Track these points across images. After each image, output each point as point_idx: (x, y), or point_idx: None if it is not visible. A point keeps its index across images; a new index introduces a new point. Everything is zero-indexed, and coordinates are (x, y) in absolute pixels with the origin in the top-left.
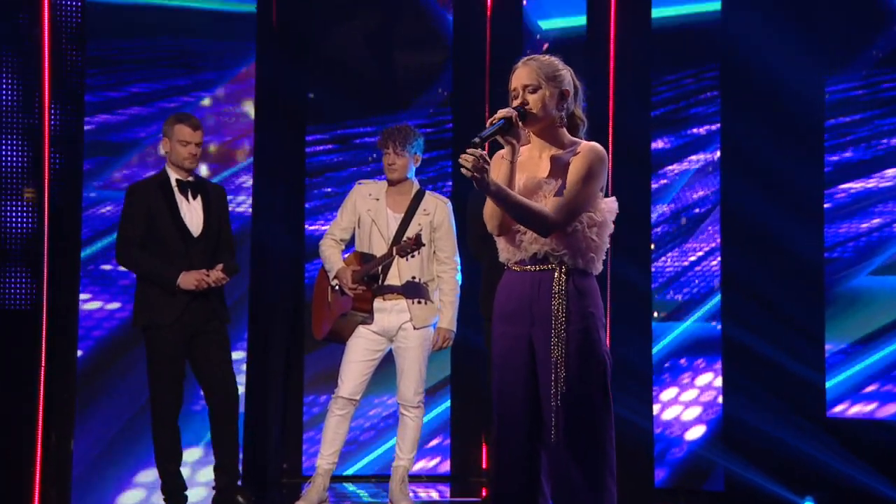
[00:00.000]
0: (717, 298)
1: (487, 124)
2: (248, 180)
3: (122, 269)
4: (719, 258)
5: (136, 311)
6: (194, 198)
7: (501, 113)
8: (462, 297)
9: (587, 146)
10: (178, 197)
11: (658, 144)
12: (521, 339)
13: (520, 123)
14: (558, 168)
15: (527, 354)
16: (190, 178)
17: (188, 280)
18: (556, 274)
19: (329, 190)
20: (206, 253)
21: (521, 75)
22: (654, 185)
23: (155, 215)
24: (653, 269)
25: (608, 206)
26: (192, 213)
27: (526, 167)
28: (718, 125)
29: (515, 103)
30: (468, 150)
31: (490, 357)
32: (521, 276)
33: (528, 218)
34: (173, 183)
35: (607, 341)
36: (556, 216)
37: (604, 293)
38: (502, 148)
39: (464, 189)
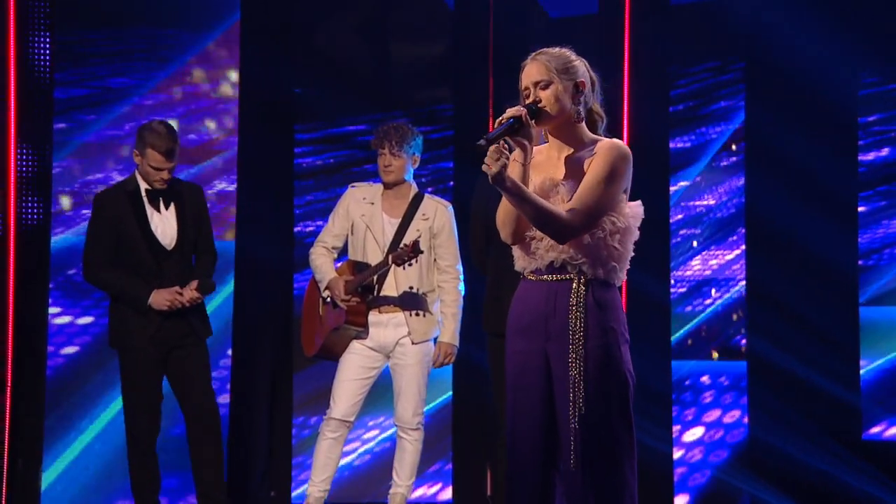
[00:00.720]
0: (742, 310)
1: (495, 124)
2: (227, 185)
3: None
4: (744, 266)
5: (110, 333)
6: (167, 206)
7: (510, 112)
8: (465, 310)
9: (608, 143)
10: (148, 208)
11: (677, 143)
12: (537, 356)
13: (531, 122)
14: (576, 168)
15: (542, 372)
16: (163, 187)
17: (160, 300)
18: (573, 285)
19: (320, 194)
20: (181, 267)
21: (531, 72)
22: (672, 188)
23: (123, 228)
24: (672, 279)
25: (633, 211)
26: (165, 225)
27: (543, 168)
28: (743, 122)
29: (527, 102)
30: (478, 149)
31: (493, 375)
32: (536, 286)
33: (544, 221)
34: (143, 192)
35: (630, 358)
36: (572, 220)
37: None
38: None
39: (466, 192)
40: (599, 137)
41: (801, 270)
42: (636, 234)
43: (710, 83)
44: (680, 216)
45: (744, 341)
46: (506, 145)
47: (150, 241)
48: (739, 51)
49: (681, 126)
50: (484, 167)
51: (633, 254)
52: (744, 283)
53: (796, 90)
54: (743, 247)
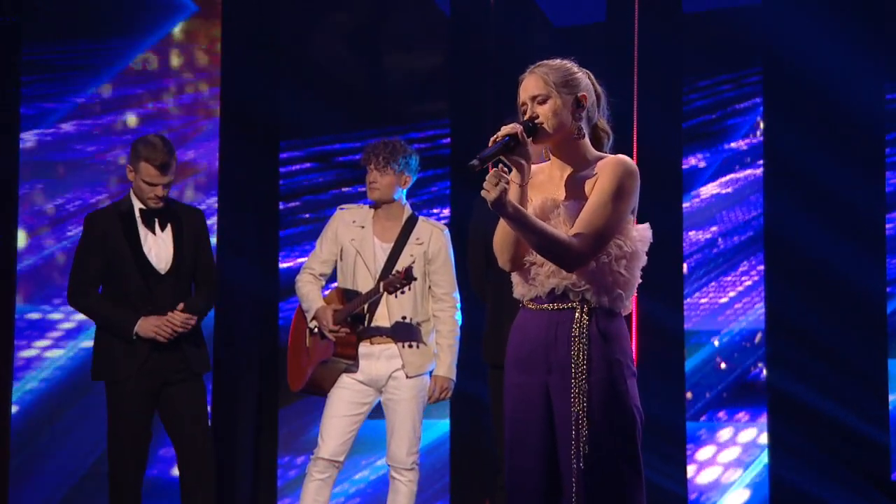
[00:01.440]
0: (762, 340)
1: (490, 143)
2: (207, 207)
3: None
4: (763, 293)
5: (95, 363)
6: (163, 228)
7: (505, 129)
8: (463, 340)
9: (613, 160)
10: (142, 229)
11: (691, 161)
12: (537, 390)
13: (528, 140)
14: (579, 188)
15: (543, 407)
16: (158, 206)
17: (147, 327)
18: (576, 314)
19: (307, 216)
20: (175, 293)
21: (528, 86)
22: (686, 209)
23: (114, 250)
24: (685, 307)
25: (640, 234)
26: (160, 247)
27: (544, 188)
28: (761, 138)
29: (524, 118)
30: (471, 169)
31: (494, 410)
32: (536, 315)
33: (549, 248)
34: (137, 212)
35: (637, 392)
36: (580, 246)
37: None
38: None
39: (464, 214)
40: (604, 155)
41: (825, 297)
42: (644, 260)
43: (726, 96)
44: (694, 239)
45: (764, 374)
46: (505, 168)
47: (142, 263)
48: (757, 62)
49: (694, 142)
50: (483, 192)
51: (640, 280)
52: (763, 311)
53: (819, 104)
54: (762, 270)
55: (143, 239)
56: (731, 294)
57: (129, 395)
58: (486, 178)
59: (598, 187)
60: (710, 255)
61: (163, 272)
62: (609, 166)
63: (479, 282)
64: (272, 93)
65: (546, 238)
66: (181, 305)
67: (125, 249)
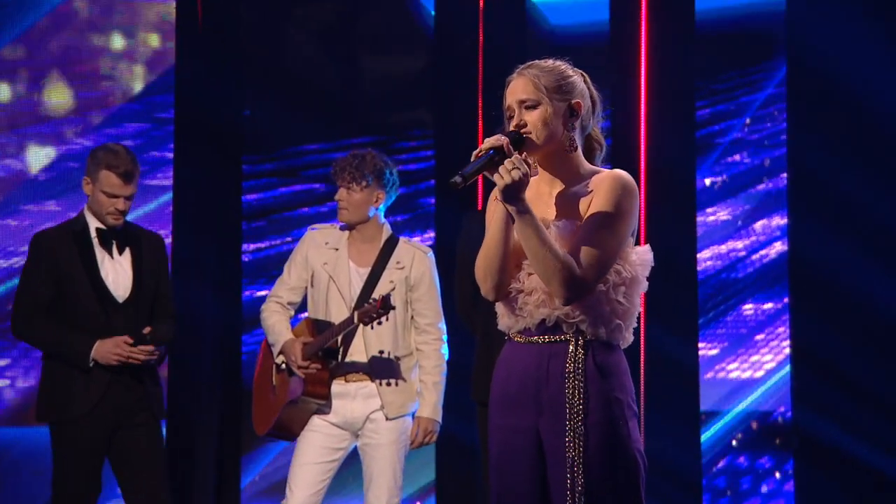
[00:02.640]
0: (786, 374)
1: (472, 157)
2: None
3: (24, 342)
4: (787, 323)
5: (41, 402)
6: (121, 251)
7: (489, 142)
8: (449, 377)
9: (609, 175)
10: (99, 251)
11: (705, 175)
12: (527, 434)
13: (514, 153)
14: (571, 206)
15: (534, 454)
16: (117, 226)
17: (105, 351)
18: (570, 347)
19: (273, 238)
20: (134, 323)
21: (516, 88)
22: (700, 229)
23: (67, 274)
24: (700, 339)
25: (640, 258)
26: (118, 272)
27: (532, 206)
28: (784, 150)
29: (511, 126)
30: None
31: (484, 455)
32: (525, 349)
33: (554, 268)
34: (92, 232)
35: (641, 436)
36: (582, 273)
37: (635, 372)
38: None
39: (450, 235)
40: (598, 169)
41: (857, 329)
42: (644, 285)
43: (744, 102)
44: (710, 263)
45: (789, 414)
46: (528, 161)
47: (100, 290)
48: (779, 65)
49: (709, 154)
50: (496, 177)
51: (639, 308)
52: (788, 344)
53: (847, 113)
54: (786, 300)
55: (99, 262)
56: (752, 324)
57: (81, 437)
58: (505, 161)
59: (595, 207)
60: (727, 280)
61: (121, 300)
62: (605, 183)
63: (468, 311)
64: (234, 98)
65: (554, 257)
66: (148, 329)
67: (80, 274)
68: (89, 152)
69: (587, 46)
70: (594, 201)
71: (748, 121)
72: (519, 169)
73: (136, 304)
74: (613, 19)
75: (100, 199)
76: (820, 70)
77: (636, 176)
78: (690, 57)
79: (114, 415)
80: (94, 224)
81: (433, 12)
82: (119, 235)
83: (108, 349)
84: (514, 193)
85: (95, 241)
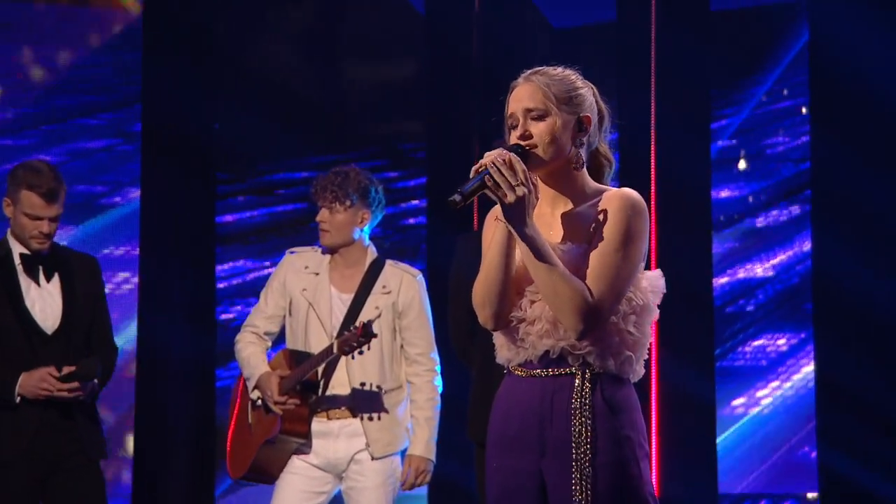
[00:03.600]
0: (811, 410)
1: (472, 173)
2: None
3: None
4: (812, 354)
5: None
6: (48, 278)
7: (491, 156)
8: (443, 413)
9: (616, 196)
10: (24, 279)
11: (722, 193)
12: (529, 477)
13: (519, 168)
14: (577, 228)
15: (537, 497)
16: (42, 250)
17: (31, 385)
18: (576, 381)
19: (248, 262)
20: (64, 358)
21: (523, 95)
22: (716, 252)
23: None
24: (716, 369)
25: (651, 284)
26: (45, 301)
27: None
28: (808, 163)
29: (514, 137)
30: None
31: (483, 500)
32: (526, 384)
33: (566, 296)
34: (16, 258)
35: (653, 478)
36: (598, 303)
37: (646, 408)
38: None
39: (443, 257)
40: (604, 187)
41: (889, 360)
42: (656, 314)
43: (764, 112)
44: (727, 288)
45: (813, 454)
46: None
47: (25, 321)
48: (802, 71)
49: (726, 169)
50: (499, 195)
51: (651, 338)
52: (812, 376)
53: (878, 123)
54: (811, 329)
55: (24, 291)
56: (772, 356)
57: (12, 483)
58: (504, 174)
59: (607, 230)
60: (746, 307)
61: (49, 332)
62: (613, 204)
63: (463, 341)
64: (206, 110)
65: (566, 285)
66: (67, 369)
67: (3, 303)
68: (10, 171)
69: (593, 50)
70: (606, 227)
71: (769, 131)
72: (524, 186)
73: (68, 335)
74: (621, 22)
75: (22, 221)
76: (847, 78)
77: (646, 193)
78: (705, 62)
79: (46, 458)
80: (17, 249)
81: (424, 13)
82: (46, 261)
83: (34, 383)
84: (519, 214)
85: (20, 268)
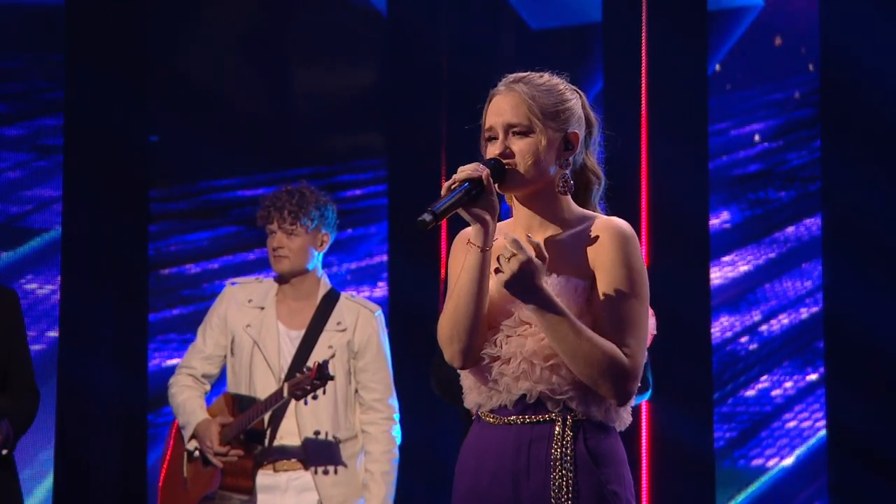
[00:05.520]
0: (822, 462)
1: (443, 191)
2: (43, 285)
3: None
4: (823, 399)
5: None
6: None
7: (465, 171)
8: (402, 466)
9: (607, 228)
10: None
11: (720, 214)
12: None
13: (494, 187)
14: (564, 258)
15: None
16: None
17: None
18: (556, 429)
19: (185, 293)
20: None
21: (503, 107)
22: (714, 281)
23: None
24: (715, 416)
25: None
26: None
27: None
28: (819, 183)
29: (491, 152)
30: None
31: None
32: (499, 433)
33: (598, 365)
34: None
35: None
36: (633, 358)
37: (635, 460)
38: (468, 225)
39: (406, 289)
40: (590, 214)
41: None
42: (644, 356)
43: (770, 124)
44: (727, 323)
45: None
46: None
47: None
48: (811, 80)
49: (725, 189)
50: (497, 274)
51: (640, 383)
52: (823, 424)
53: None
54: (822, 369)
55: None
56: (779, 401)
57: None
58: (504, 245)
59: (612, 275)
60: (748, 344)
61: None
62: (608, 240)
63: (447, 384)
64: (138, 122)
65: (599, 350)
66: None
67: None
68: None
69: (576, 55)
70: (600, 263)
71: (775, 147)
72: (519, 254)
73: None
74: (607, 23)
75: None
76: (860, 88)
77: (635, 219)
78: (702, 70)
79: None
80: None
81: (385, 13)
82: None
83: None
84: (525, 286)
85: None
